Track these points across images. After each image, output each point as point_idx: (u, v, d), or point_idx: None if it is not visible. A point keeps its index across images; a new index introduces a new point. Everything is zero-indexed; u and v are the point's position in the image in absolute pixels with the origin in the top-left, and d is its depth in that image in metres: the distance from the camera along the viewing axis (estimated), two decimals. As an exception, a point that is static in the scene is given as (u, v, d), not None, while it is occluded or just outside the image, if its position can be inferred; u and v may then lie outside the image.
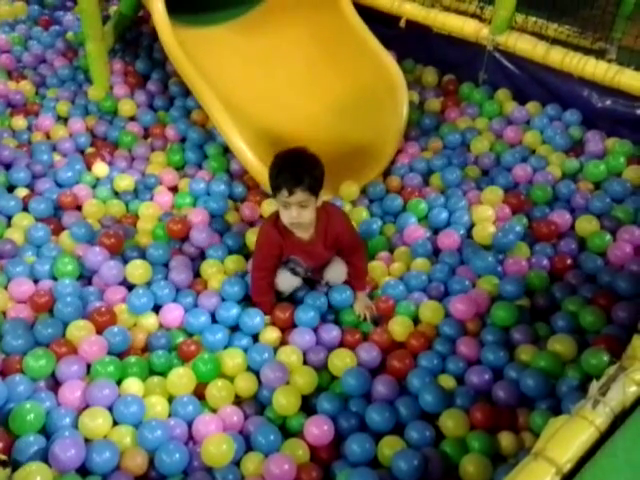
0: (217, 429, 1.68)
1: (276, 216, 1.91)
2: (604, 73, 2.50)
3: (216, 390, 1.78)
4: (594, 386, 1.29)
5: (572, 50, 2.63)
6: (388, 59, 2.75)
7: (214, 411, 1.76)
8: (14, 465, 1.50)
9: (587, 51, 2.68)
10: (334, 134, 2.72)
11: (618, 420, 1.23)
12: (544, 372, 1.71)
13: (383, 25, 3.02)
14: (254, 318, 1.96)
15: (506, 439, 1.60)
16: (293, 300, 2.12)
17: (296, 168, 1.78)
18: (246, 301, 2.09)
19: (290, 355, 1.87)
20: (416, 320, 2.01)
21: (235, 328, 2.01)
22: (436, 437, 1.65)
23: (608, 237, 2.12)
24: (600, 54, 2.71)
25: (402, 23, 3.04)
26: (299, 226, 1.87)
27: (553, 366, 1.72)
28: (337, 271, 2.10)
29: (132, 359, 1.84)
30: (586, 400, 1.26)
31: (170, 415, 1.74)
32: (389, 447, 1.60)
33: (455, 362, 1.82)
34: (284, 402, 1.74)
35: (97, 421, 1.62)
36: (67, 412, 1.66)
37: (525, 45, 2.70)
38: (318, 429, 1.66)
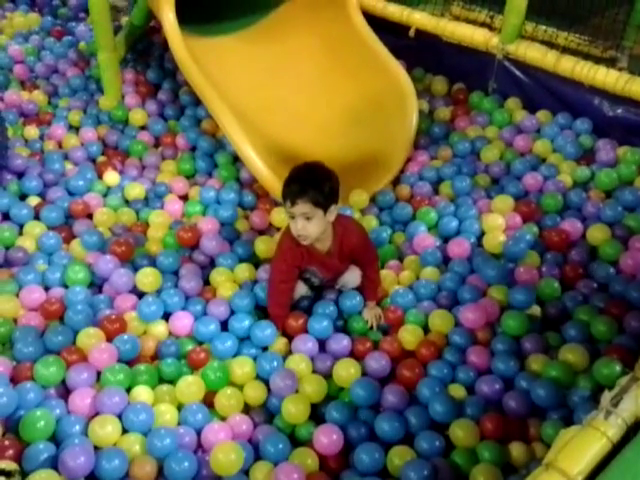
0: (226, 437, 1.68)
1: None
2: (615, 82, 2.49)
3: (225, 398, 1.78)
4: (606, 397, 1.27)
5: (582, 59, 2.62)
6: (398, 68, 2.75)
7: (223, 419, 1.76)
8: (23, 473, 1.50)
9: (597, 60, 2.67)
10: (344, 143, 2.72)
11: (631, 431, 1.21)
12: (555, 382, 1.69)
13: (393, 34, 3.03)
14: (265, 330, 1.96)
15: (517, 449, 1.58)
16: (297, 308, 2.12)
17: (303, 180, 1.79)
18: (256, 310, 2.09)
19: (299, 363, 1.87)
20: (426, 329, 2.00)
21: (245, 338, 2.01)
22: (446, 447, 1.63)
23: (620, 246, 2.11)
24: (611, 63, 2.70)
25: (412, 32, 3.04)
26: (305, 239, 1.86)
27: (564, 376, 1.71)
28: (352, 275, 2.10)
29: (142, 367, 1.84)
30: (598, 411, 1.25)
31: (179, 423, 1.74)
32: (399, 457, 1.59)
33: (465, 371, 1.81)
34: (293, 410, 1.73)
35: (107, 429, 1.62)
36: (77, 420, 1.66)
37: (535, 54, 2.70)
38: (327, 438, 1.65)
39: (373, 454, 1.60)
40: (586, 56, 2.71)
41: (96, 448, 1.60)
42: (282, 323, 2.02)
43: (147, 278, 2.08)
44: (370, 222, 2.43)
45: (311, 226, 1.82)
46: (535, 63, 2.72)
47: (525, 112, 2.81)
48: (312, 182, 1.79)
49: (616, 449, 1.18)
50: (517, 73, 2.84)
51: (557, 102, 2.76)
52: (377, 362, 1.86)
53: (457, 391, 1.77)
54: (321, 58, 2.99)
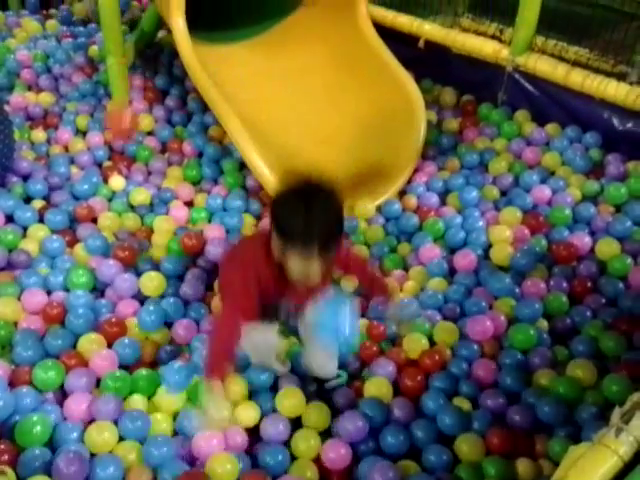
0: (219, 445, 1.62)
1: (266, 240, 1.49)
2: (625, 95, 2.47)
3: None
4: (617, 413, 1.24)
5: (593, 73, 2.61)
6: (407, 79, 2.74)
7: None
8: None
9: (607, 74, 2.65)
10: (351, 152, 2.70)
11: (643, 450, 1.18)
12: (563, 398, 1.65)
13: (402, 45, 3.02)
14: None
15: (523, 465, 1.54)
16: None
17: (318, 228, 1.40)
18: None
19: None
20: (431, 340, 1.96)
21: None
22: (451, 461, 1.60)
23: (629, 261, 2.07)
24: (621, 77, 2.67)
25: (421, 43, 3.04)
26: (306, 280, 1.50)
27: (573, 392, 1.67)
28: (326, 364, 1.81)
29: (143, 372, 1.80)
30: (608, 428, 1.21)
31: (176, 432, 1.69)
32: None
33: (470, 385, 1.78)
34: (304, 448, 1.65)
35: (103, 435, 1.58)
36: (73, 426, 1.63)
37: (545, 66, 2.69)
38: (335, 454, 1.60)
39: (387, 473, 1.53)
40: (596, 71, 2.69)
41: (93, 455, 1.57)
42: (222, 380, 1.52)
43: (151, 282, 2.06)
44: (376, 232, 2.41)
45: (317, 266, 1.46)
46: (545, 76, 2.70)
47: (534, 125, 2.78)
48: (328, 230, 1.42)
49: (628, 468, 1.15)
50: (527, 86, 2.82)
51: (566, 115, 2.73)
52: (383, 369, 1.83)
53: (462, 404, 1.73)
54: (330, 68, 2.99)
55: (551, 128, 2.75)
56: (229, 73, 2.85)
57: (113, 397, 1.68)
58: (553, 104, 2.77)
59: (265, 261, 1.50)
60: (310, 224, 1.39)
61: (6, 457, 1.52)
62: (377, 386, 1.78)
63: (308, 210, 1.39)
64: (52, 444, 1.60)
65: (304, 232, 1.40)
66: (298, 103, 2.90)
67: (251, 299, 1.52)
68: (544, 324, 1.94)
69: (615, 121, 2.59)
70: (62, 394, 1.75)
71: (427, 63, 3.11)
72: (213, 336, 1.57)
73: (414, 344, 1.91)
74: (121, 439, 1.63)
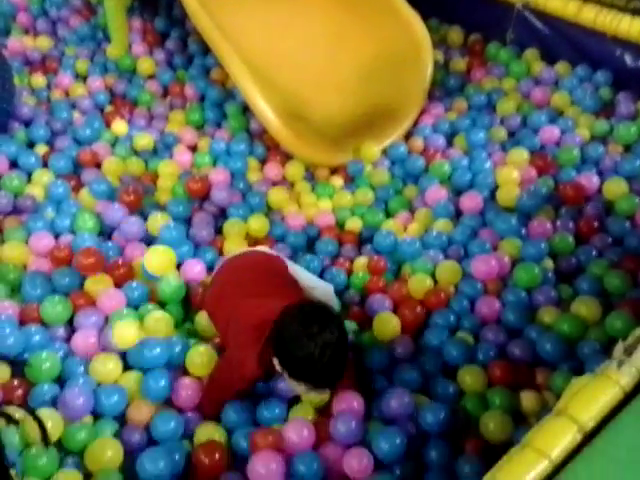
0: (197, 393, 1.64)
1: (260, 349, 1.49)
2: (640, 31, 2.40)
3: (198, 356, 1.70)
4: (619, 346, 1.25)
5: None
6: (413, 18, 2.66)
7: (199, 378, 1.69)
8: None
9: (621, 11, 2.56)
10: (356, 94, 2.65)
11: (644, 381, 1.19)
12: (566, 335, 1.67)
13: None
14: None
15: (527, 397, 1.57)
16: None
17: (335, 366, 1.42)
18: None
19: None
20: (435, 281, 1.96)
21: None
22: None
23: (637, 200, 2.05)
24: (636, 13, 2.59)
25: (428, -19, 2.94)
26: None
27: (576, 329, 1.68)
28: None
29: (149, 306, 1.84)
30: (611, 360, 1.23)
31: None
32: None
33: (471, 320, 1.80)
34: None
35: (108, 366, 1.63)
36: (81, 359, 1.67)
37: (557, 3, 2.59)
38: (357, 460, 1.47)
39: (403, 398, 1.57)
40: (610, 6, 2.60)
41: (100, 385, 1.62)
42: None
43: (158, 223, 2.06)
44: (381, 175, 2.39)
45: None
46: (556, 13, 2.61)
47: (543, 64, 2.71)
48: (337, 376, 1.44)
49: (628, 398, 1.17)
50: (536, 23, 2.73)
51: (577, 53, 2.66)
52: (380, 304, 1.87)
53: (465, 338, 1.76)
54: (335, 9, 2.89)
55: (561, 67, 2.68)
56: (231, 14, 2.76)
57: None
58: (563, 42, 2.68)
59: (259, 363, 1.51)
60: (320, 375, 1.41)
61: (20, 392, 1.57)
62: (384, 321, 1.82)
63: (316, 361, 1.37)
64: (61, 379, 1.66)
65: (315, 380, 1.43)
66: (302, 46, 2.83)
67: (230, 395, 1.63)
68: (549, 264, 1.95)
69: (627, 58, 2.52)
70: (71, 331, 1.78)
71: (434, 1, 3.01)
72: (211, 390, 1.63)
73: (418, 284, 1.92)
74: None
